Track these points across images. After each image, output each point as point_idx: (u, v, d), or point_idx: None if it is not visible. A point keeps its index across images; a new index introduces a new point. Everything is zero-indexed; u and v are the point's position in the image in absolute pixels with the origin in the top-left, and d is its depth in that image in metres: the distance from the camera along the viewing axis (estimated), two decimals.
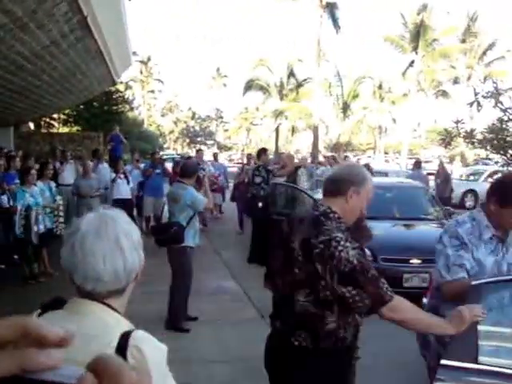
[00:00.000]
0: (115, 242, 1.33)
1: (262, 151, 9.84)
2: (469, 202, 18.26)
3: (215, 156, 16.28)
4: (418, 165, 12.61)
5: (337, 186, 2.36)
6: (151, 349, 1.27)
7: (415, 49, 31.86)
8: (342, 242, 2.14)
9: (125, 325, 1.32)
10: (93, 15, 7.10)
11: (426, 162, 28.51)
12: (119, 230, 1.36)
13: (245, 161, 16.49)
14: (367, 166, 15.25)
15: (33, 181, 7.63)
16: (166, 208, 6.63)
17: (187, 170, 5.96)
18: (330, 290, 2.17)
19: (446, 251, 2.75)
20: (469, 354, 2.32)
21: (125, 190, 10.87)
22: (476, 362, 2.30)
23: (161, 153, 17.83)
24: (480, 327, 2.34)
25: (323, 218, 2.25)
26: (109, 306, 1.35)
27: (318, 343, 2.25)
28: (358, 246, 2.21)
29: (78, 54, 8.66)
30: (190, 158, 12.56)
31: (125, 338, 1.24)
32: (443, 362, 2.36)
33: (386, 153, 45.91)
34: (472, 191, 18.38)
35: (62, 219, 8.49)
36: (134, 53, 44.46)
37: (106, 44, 9.13)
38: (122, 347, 1.21)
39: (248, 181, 11.78)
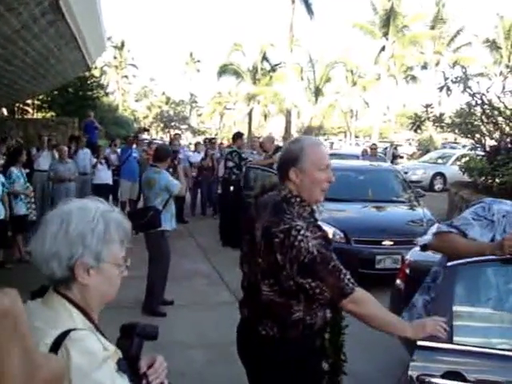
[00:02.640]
0: (60, 231, 1.35)
1: (238, 135, 9.89)
2: (438, 185, 18.72)
3: (196, 146, 14.09)
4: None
5: (281, 171, 2.28)
6: (79, 354, 1.24)
7: (385, 35, 32.16)
8: (302, 231, 2.05)
9: (73, 322, 1.31)
10: None
11: (398, 145, 28.95)
12: (67, 220, 1.37)
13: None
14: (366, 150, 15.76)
15: None
16: None
17: (160, 153, 5.99)
18: (292, 280, 2.09)
19: (465, 214, 2.70)
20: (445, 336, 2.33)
21: (105, 175, 10.94)
22: (451, 342, 2.33)
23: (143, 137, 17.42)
24: (455, 308, 2.39)
25: (285, 205, 2.16)
26: (67, 297, 1.35)
27: (285, 332, 2.18)
28: (320, 235, 2.13)
29: (51, 38, 8.53)
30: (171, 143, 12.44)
31: (61, 336, 1.24)
32: (419, 343, 2.37)
33: (356, 136, 46.32)
34: (441, 174, 18.82)
35: (34, 205, 8.44)
36: (109, 38, 43.78)
37: (79, 28, 8.95)
38: (56, 346, 1.22)
39: (212, 165, 11.89)
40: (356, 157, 14.27)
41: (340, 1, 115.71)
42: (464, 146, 13.46)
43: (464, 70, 9.82)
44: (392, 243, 6.69)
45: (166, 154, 5.98)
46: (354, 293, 2.11)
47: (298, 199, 2.20)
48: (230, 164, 9.44)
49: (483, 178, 10.04)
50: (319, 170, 2.21)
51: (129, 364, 1.41)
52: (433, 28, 34.40)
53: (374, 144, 15.92)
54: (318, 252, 2.05)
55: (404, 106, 47.13)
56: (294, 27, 27.40)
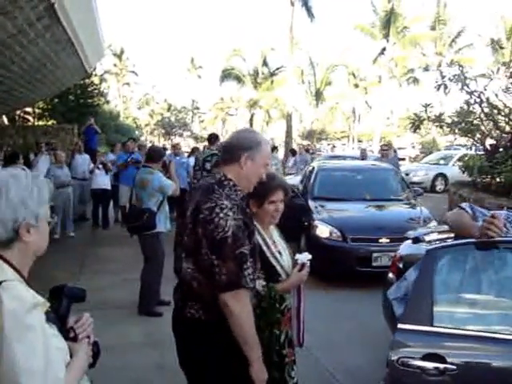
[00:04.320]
0: (1, 199, 1.47)
1: (214, 137, 9.71)
2: (439, 186, 18.68)
3: (193, 150, 13.97)
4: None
5: (230, 153, 2.30)
6: (9, 298, 1.36)
7: (386, 36, 32.19)
8: (225, 210, 2.09)
9: (5, 275, 1.43)
10: (60, 2, 6.98)
11: (400, 148, 28.95)
12: (6, 188, 1.48)
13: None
14: (364, 150, 15.55)
15: None
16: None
17: (153, 154, 5.98)
18: (208, 257, 2.10)
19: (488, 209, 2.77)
20: (425, 319, 2.39)
21: (103, 180, 10.99)
22: (432, 325, 2.37)
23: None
24: (436, 293, 2.42)
25: (216, 186, 2.20)
26: (2, 257, 1.48)
27: (210, 315, 2.17)
28: (241, 218, 2.13)
29: (48, 43, 8.56)
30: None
31: None
32: (400, 325, 2.43)
33: (359, 141, 46.29)
34: (442, 175, 18.78)
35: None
36: (109, 46, 44.11)
37: (76, 33, 8.98)
38: None
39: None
40: (355, 159, 14.29)
41: (340, 3, 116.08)
42: (465, 146, 13.40)
43: (461, 69, 9.78)
44: (388, 241, 6.67)
45: (158, 155, 5.99)
46: (244, 290, 2.10)
47: (232, 183, 2.24)
48: (208, 166, 9.26)
49: (482, 176, 10.01)
50: (263, 167, 2.32)
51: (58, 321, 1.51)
52: (433, 29, 34.44)
53: (385, 145, 13.88)
54: (233, 233, 2.07)
55: (407, 109, 47.05)
56: (294, 30, 27.47)
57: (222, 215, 2.08)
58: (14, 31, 7.03)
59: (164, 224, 5.82)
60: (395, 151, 13.18)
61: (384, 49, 32.71)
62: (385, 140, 45.85)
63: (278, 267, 2.58)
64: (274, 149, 9.25)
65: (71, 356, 1.53)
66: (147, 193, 5.71)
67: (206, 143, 10.47)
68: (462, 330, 2.36)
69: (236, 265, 2.08)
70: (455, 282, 2.55)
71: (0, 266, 1.46)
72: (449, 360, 2.28)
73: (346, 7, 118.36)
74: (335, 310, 5.99)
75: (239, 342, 2.12)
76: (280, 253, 2.63)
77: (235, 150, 2.28)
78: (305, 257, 2.66)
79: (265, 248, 2.56)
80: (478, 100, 9.74)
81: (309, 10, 27.79)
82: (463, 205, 2.78)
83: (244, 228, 2.14)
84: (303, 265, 2.64)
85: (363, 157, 14.40)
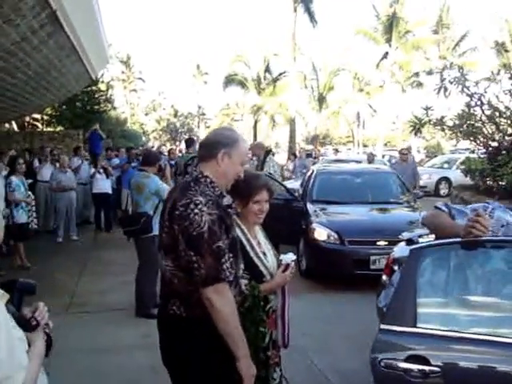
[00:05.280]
0: None
1: (190, 141, 9.83)
2: (443, 190, 18.64)
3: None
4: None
5: (208, 149, 2.31)
6: None
7: (388, 41, 32.19)
8: (199, 206, 2.10)
9: None
10: (62, 10, 7.06)
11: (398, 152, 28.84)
12: None
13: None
14: (371, 154, 15.49)
15: None
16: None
17: (149, 158, 6.02)
18: (185, 253, 2.12)
19: (467, 206, 2.75)
20: (408, 319, 2.35)
21: (104, 184, 11.07)
22: (415, 326, 2.33)
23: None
24: (419, 294, 2.39)
25: (193, 183, 2.22)
26: None
27: (190, 311, 2.17)
28: (216, 213, 2.14)
29: (51, 50, 8.66)
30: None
31: None
32: (383, 326, 2.40)
33: (365, 145, 46.22)
34: (446, 179, 18.73)
35: (35, 214, 8.58)
36: (117, 53, 44.32)
37: (79, 40, 9.08)
38: None
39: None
40: (358, 162, 14.32)
41: (342, 7, 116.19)
42: (467, 150, 13.38)
43: (461, 71, 9.78)
44: (387, 243, 6.60)
45: (154, 159, 6.03)
46: (224, 284, 2.10)
47: (208, 180, 2.26)
48: (190, 169, 9.31)
49: (485, 179, 9.99)
50: (240, 164, 2.33)
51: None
52: (436, 33, 34.37)
53: (404, 149, 12.39)
54: (209, 228, 2.08)
55: (412, 113, 46.82)
56: (297, 36, 27.57)
57: (196, 211, 2.09)
58: (17, 39, 7.12)
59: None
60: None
61: (387, 53, 32.70)
62: (390, 144, 45.91)
63: (262, 268, 2.58)
64: (269, 152, 9.30)
65: (29, 345, 1.60)
66: (143, 196, 5.75)
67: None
68: (447, 331, 2.31)
69: (214, 259, 2.08)
70: (440, 281, 2.51)
71: None
72: (433, 362, 2.25)
73: (348, 12, 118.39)
74: (332, 312, 6.00)
75: (225, 337, 2.11)
76: (264, 253, 2.64)
77: (212, 146, 2.30)
78: (289, 257, 2.67)
79: (249, 248, 2.57)
80: (478, 103, 9.74)
81: (311, 15, 27.88)
82: (439, 204, 2.78)
83: (220, 222, 2.14)
84: (287, 265, 2.64)
85: (370, 161, 14.44)
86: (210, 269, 2.08)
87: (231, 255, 2.18)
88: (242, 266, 2.42)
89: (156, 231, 5.71)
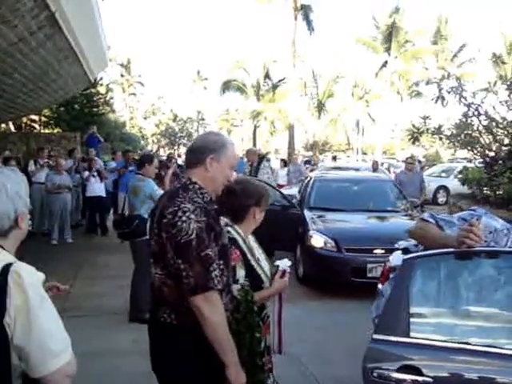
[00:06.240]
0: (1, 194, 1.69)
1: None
2: (441, 198, 18.67)
3: None
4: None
5: (195, 155, 2.28)
6: (27, 273, 1.60)
7: (388, 50, 32.42)
8: (187, 213, 2.08)
9: (10, 258, 1.65)
10: (61, 11, 7.04)
11: (404, 161, 28.94)
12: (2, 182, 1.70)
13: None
14: (376, 162, 15.43)
15: None
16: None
17: (141, 159, 6.04)
18: (174, 261, 2.10)
19: (454, 215, 2.72)
20: (401, 329, 2.32)
21: (98, 187, 10.98)
22: (408, 336, 2.30)
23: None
24: (412, 303, 2.36)
25: (181, 190, 2.19)
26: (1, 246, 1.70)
27: (181, 319, 2.16)
28: (204, 220, 2.11)
29: (49, 52, 8.63)
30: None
31: (8, 266, 1.59)
32: (375, 336, 2.37)
33: (364, 153, 46.30)
34: (444, 187, 18.78)
35: (29, 216, 8.52)
36: (115, 57, 44.38)
37: (78, 42, 9.06)
38: (5, 272, 1.57)
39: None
40: (357, 170, 14.30)
41: (343, 16, 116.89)
42: (465, 159, 13.43)
43: (458, 81, 9.81)
44: (384, 252, 6.54)
45: (146, 158, 6.02)
46: (214, 292, 2.08)
47: (197, 186, 2.23)
48: None
49: (482, 188, 10.01)
50: (229, 168, 2.31)
51: None
52: (435, 43, 34.62)
53: (410, 157, 11.79)
54: (197, 236, 2.06)
55: (411, 122, 46.96)
56: (297, 43, 27.66)
57: (184, 218, 2.07)
58: (15, 40, 7.09)
59: None
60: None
61: (386, 62, 32.91)
62: (389, 153, 45.98)
63: (262, 274, 2.58)
64: (263, 158, 9.32)
65: None
66: (139, 199, 5.74)
67: None
68: (439, 341, 2.28)
69: (202, 267, 2.06)
70: (433, 291, 2.48)
71: (1, 253, 1.66)
72: (425, 372, 2.22)
73: (348, 21, 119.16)
74: (329, 320, 5.96)
75: (214, 345, 2.08)
76: (259, 259, 2.64)
77: (200, 152, 2.27)
78: (286, 263, 2.67)
79: (250, 256, 2.56)
80: (475, 113, 9.76)
81: (309, 23, 28.03)
82: (425, 216, 2.74)
83: (209, 230, 2.12)
84: (284, 271, 2.64)
85: (375, 168, 14.37)
86: (198, 277, 2.05)
87: (221, 262, 2.16)
88: (243, 272, 2.43)
89: None
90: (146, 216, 5.61)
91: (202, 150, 2.27)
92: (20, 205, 1.74)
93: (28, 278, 1.58)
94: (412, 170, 10.78)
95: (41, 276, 1.67)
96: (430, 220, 2.67)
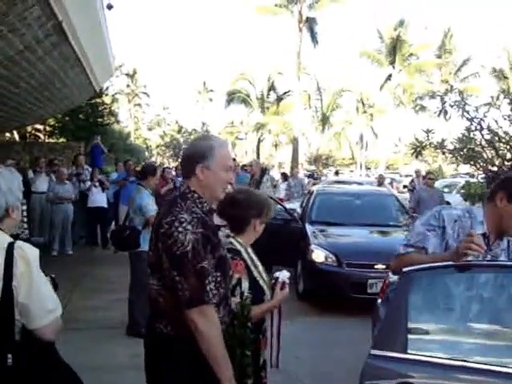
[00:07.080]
0: None
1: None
2: None
3: None
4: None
5: (186, 166, 2.27)
6: (28, 248, 1.94)
7: (392, 63, 32.59)
8: (184, 224, 2.05)
9: (9, 238, 1.96)
10: (68, 20, 7.09)
11: (407, 175, 28.98)
12: None
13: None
14: (382, 176, 15.38)
15: None
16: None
17: (145, 171, 5.99)
18: (170, 272, 2.08)
19: (419, 227, 2.67)
20: (398, 345, 2.28)
21: (100, 198, 10.88)
22: (405, 352, 2.25)
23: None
24: (411, 319, 2.32)
25: (179, 200, 2.16)
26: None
27: (178, 330, 2.13)
28: (200, 231, 2.08)
29: (55, 60, 8.69)
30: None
31: (12, 243, 1.91)
32: (372, 351, 2.33)
33: (368, 168, 46.34)
34: (446, 203, 18.64)
35: (25, 225, 8.48)
36: (121, 66, 44.65)
37: (84, 51, 9.11)
38: (11, 247, 1.89)
39: None
40: (360, 184, 14.26)
41: (348, 29, 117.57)
42: (467, 174, 13.41)
43: (461, 95, 9.78)
44: (385, 267, 6.43)
45: (150, 172, 5.95)
46: (209, 306, 2.06)
47: (196, 195, 2.19)
48: None
49: (483, 203, 9.92)
50: (224, 171, 2.24)
51: None
52: (439, 57, 34.79)
53: (430, 173, 12.01)
54: (193, 248, 2.03)
55: (414, 136, 46.94)
56: (302, 56, 27.81)
57: (180, 229, 2.04)
58: (21, 48, 7.14)
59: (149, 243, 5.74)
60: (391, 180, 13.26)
61: (390, 75, 33.07)
62: (392, 167, 45.91)
63: (265, 286, 2.58)
64: (265, 171, 9.33)
65: None
66: (132, 210, 5.69)
67: None
68: (438, 358, 2.22)
69: (197, 280, 2.04)
70: (432, 306, 2.44)
71: (3, 235, 1.97)
72: None
73: (353, 34, 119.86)
74: (328, 336, 5.86)
75: (208, 359, 2.06)
76: (261, 271, 2.63)
77: (189, 162, 2.24)
78: (285, 275, 2.66)
79: (253, 268, 2.55)
80: (478, 127, 9.72)
81: (313, 35, 28.22)
82: (401, 250, 2.68)
83: (205, 242, 2.09)
84: (283, 283, 2.63)
85: (380, 183, 14.33)
86: (193, 290, 2.03)
87: (218, 274, 2.13)
88: (247, 284, 2.43)
89: (144, 247, 5.59)
90: (139, 227, 5.53)
91: (192, 160, 2.23)
92: (11, 199, 2.09)
93: (31, 253, 1.93)
94: (432, 186, 10.74)
95: (37, 251, 1.98)
96: (409, 250, 2.64)
